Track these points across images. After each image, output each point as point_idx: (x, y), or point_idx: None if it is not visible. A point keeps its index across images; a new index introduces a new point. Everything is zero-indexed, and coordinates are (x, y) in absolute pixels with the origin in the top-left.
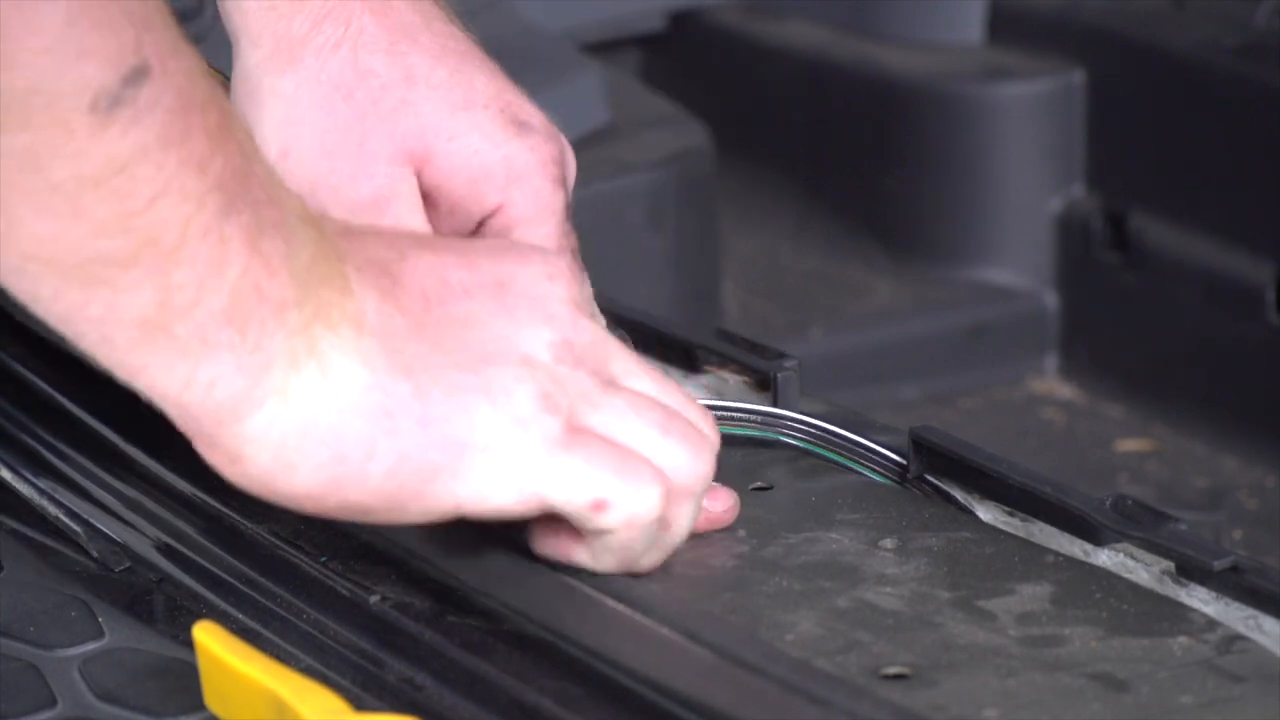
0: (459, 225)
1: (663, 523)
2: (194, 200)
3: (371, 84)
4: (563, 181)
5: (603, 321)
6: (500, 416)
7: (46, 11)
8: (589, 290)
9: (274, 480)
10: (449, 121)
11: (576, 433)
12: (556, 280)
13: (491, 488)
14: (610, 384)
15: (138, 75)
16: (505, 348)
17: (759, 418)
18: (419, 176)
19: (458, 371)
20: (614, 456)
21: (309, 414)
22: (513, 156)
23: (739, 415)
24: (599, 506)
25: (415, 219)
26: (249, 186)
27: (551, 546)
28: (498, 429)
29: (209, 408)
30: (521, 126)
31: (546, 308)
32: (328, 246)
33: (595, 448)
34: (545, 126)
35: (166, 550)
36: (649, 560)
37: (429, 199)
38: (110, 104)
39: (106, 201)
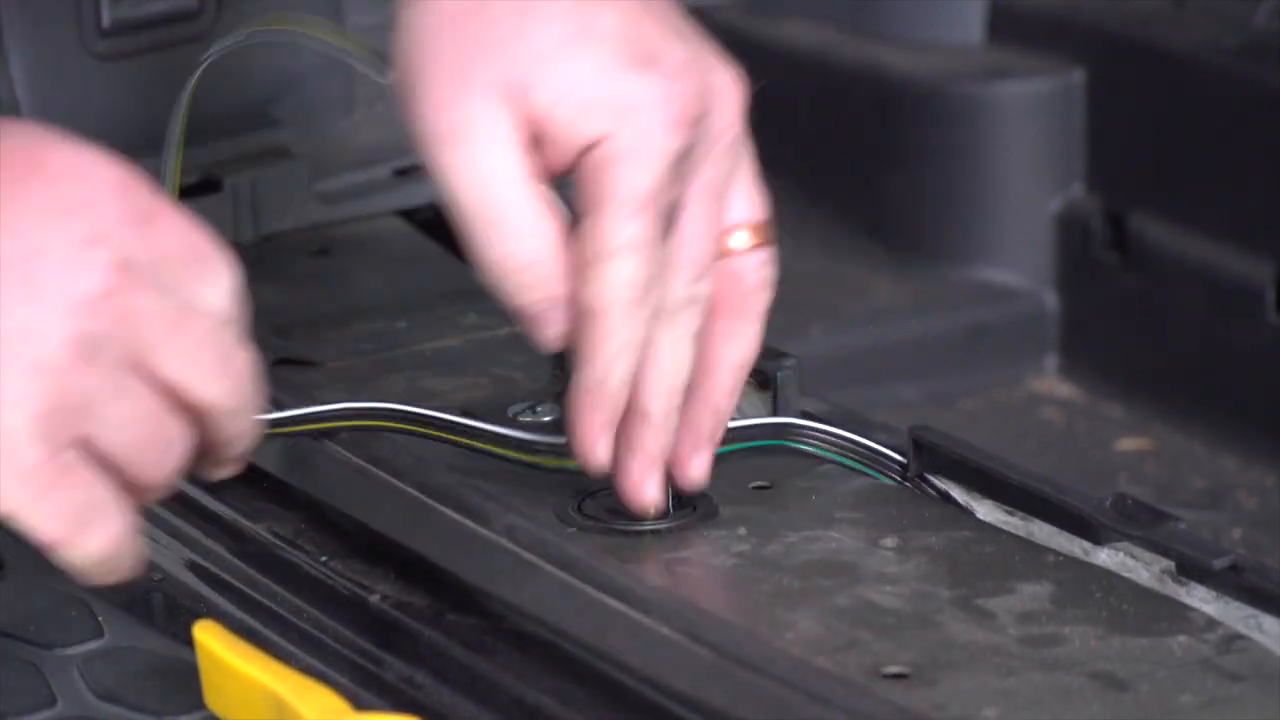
0: (558, 158)
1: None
2: None
3: (490, 13)
4: (686, 123)
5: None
6: None
7: None
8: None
9: None
10: (559, 50)
11: (56, 460)
12: (99, 245)
13: None
14: (138, 367)
15: None
16: (18, 351)
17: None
18: (522, 106)
19: None
20: (73, 504)
21: None
22: (623, 90)
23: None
24: (56, 546)
25: (494, 152)
26: None
27: None
28: None
29: None
30: (645, 60)
31: (77, 286)
32: None
33: (59, 491)
34: (680, 64)
35: (166, 550)
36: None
37: (536, 129)
38: None
39: None
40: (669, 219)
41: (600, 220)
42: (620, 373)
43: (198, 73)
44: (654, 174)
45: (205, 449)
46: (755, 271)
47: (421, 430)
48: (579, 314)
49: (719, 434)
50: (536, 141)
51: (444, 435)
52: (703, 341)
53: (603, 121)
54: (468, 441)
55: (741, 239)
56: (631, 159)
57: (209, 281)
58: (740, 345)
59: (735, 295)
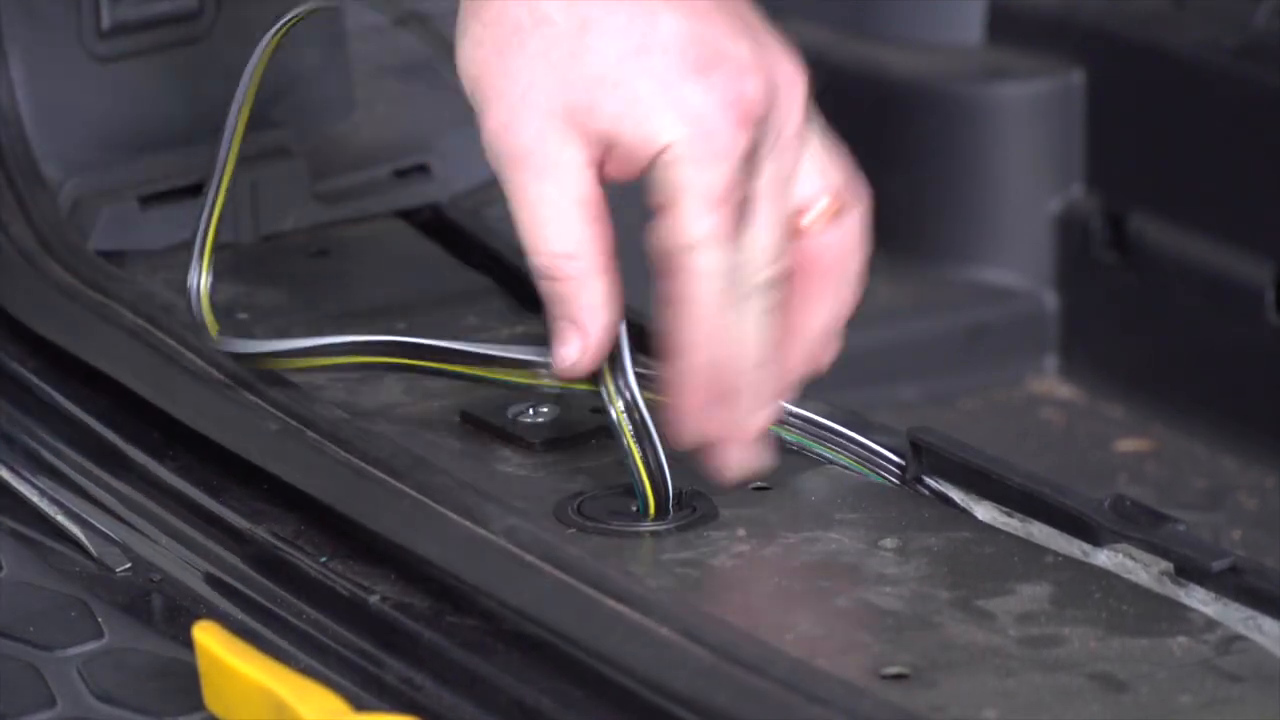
0: (629, 166)
1: None
2: None
3: (546, 32)
4: (751, 123)
5: None
6: None
7: None
8: None
9: None
10: (618, 68)
11: None
12: None
13: None
14: None
15: None
16: None
17: None
18: (587, 127)
19: None
20: None
21: None
22: (687, 97)
23: None
24: None
25: (546, 180)
26: None
27: None
28: None
29: None
30: (707, 64)
31: None
32: None
33: None
34: (744, 63)
35: (166, 550)
36: None
37: (604, 143)
38: None
39: None
40: (741, 212)
41: (679, 216)
42: (714, 357)
43: (271, 43)
44: (725, 173)
45: None
46: (838, 243)
47: (421, 363)
48: (669, 306)
49: (787, 394)
50: (606, 154)
51: (444, 367)
52: (787, 313)
53: (669, 130)
54: (469, 370)
55: (819, 209)
56: (702, 161)
57: None
58: (823, 313)
59: (820, 267)
